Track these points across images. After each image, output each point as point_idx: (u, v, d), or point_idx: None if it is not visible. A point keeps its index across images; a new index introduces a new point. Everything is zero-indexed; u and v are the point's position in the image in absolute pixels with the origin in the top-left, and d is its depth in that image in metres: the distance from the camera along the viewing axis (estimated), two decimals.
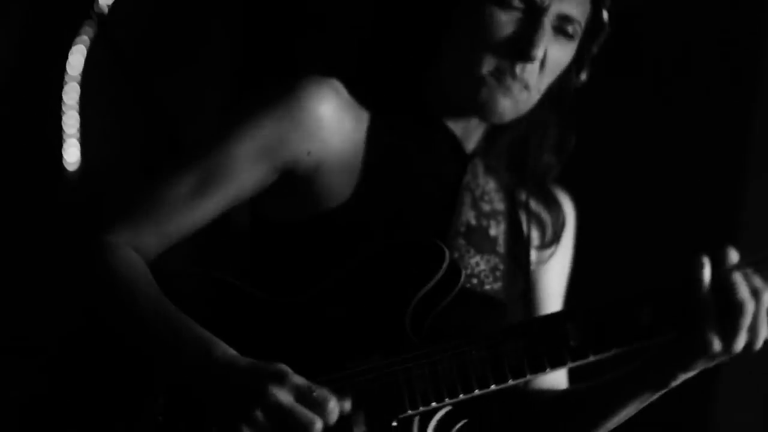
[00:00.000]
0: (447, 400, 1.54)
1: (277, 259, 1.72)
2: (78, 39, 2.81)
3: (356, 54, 1.77)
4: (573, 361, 1.53)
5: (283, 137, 1.62)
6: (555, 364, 1.52)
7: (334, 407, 1.47)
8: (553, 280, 1.91)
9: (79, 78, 2.81)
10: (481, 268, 1.77)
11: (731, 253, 1.53)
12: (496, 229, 1.81)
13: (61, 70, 2.86)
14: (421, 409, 1.55)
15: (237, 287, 1.63)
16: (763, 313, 1.50)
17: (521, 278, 1.83)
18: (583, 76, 1.80)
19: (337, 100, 1.67)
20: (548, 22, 1.67)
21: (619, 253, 2.67)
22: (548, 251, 1.89)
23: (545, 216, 1.88)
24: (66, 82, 2.83)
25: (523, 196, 1.84)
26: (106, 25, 2.78)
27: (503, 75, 1.67)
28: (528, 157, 1.84)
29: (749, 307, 1.49)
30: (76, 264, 1.65)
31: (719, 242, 1.54)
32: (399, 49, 1.73)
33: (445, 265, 1.60)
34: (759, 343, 1.51)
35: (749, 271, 1.51)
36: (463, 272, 1.63)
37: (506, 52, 1.66)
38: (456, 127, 1.78)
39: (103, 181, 2.97)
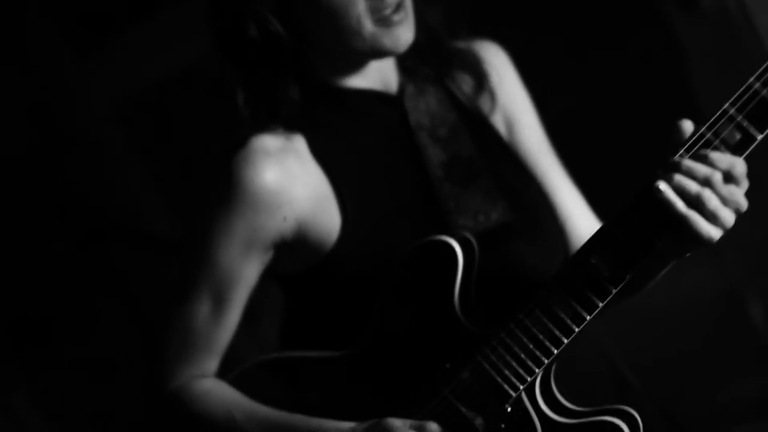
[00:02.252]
0: (536, 370, 1.58)
1: (314, 309, 1.73)
2: None
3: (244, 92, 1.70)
4: (615, 287, 1.54)
5: (253, 225, 1.62)
6: (603, 297, 1.54)
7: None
8: (520, 124, 1.86)
9: None
10: (477, 202, 1.72)
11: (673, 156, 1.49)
12: (465, 146, 1.75)
13: None
14: (521, 387, 1.59)
15: (297, 358, 1.67)
16: (724, 190, 1.46)
17: (516, 165, 1.82)
18: None
19: (270, 158, 1.63)
20: None
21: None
22: (488, 99, 1.83)
23: (470, 76, 1.82)
24: None
25: (454, 82, 1.81)
26: None
27: (380, 13, 1.64)
28: (434, 48, 1.79)
29: (706, 194, 1.45)
30: (170, 421, 1.73)
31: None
32: (271, 65, 1.68)
33: (459, 254, 1.60)
34: (741, 207, 1.49)
35: (686, 159, 1.47)
36: (473, 242, 1.63)
37: None
38: (372, 82, 1.73)
39: None
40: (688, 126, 1.48)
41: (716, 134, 1.48)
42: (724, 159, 1.46)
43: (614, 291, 1.54)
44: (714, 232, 1.48)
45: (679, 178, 1.46)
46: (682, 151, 1.48)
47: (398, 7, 1.64)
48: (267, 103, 1.67)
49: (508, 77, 1.86)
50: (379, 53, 1.68)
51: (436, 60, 1.79)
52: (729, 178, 1.47)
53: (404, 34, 1.66)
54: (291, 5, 1.66)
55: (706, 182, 1.46)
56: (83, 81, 3.33)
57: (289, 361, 1.68)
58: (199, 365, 1.69)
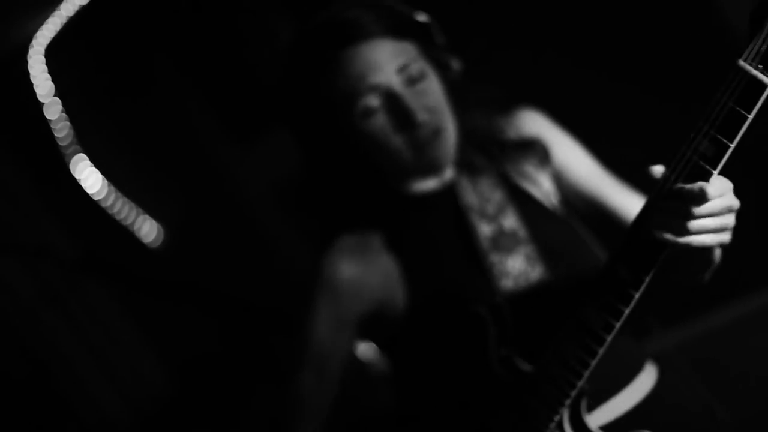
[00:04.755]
0: (577, 383, 1.77)
1: (404, 368, 2.05)
2: None
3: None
4: (636, 290, 1.68)
5: (338, 310, 1.97)
6: (627, 303, 1.69)
7: None
8: (574, 166, 2.08)
9: None
10: (519, 266, 1.96)
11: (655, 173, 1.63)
12: (510, 219, 1.99)
13: None
14: (565, 403, 1.80)
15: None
16: (709, 208, 1.60)
17: (556, 224, 2.02)
18: (456, 65, 2.03)
19: (347, 254, 1.98)
20: (400, 88, 1.91)
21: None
22: (551, 169, 2.06)
23: (530, 159, 2.06)
24: None
25: (506, 164, 2.05)
26: None
27: (415, 144, 1.93)
28: (483, 137, 2.06)
29: (691, 221, 1.60)
30: None
31: None
32: (338, 178, 2.03)
33: (490, 327, 1.86)
34: (733, 208, 1.62)
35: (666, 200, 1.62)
36: (502, 302, 1.88)
37: (401, 134, 1.92)
38: (431, 182, 2.02)
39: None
40: (658, 170, 1.62)
41: (695, 151, 1.61)
42: (694, 188, 1.59)
43: (636, 295, 1.68)
44: (717, 238, 1.63)
45: (659, 217, 1.62)
46: (668, 175, 1.62)
47: (434, 135, 1.94)
48: (351, 208, 2.02)
49: (549, 135, 2.08)
50: (420, 171, 1.99)
51: (485, 153, 2.06)
52: (704, 198, 1.59)
53: (442, 152, 1.96)
54: (343, 151, 1.99)
55: (685, 215, 1.60)
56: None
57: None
58: (314, 427, 2.02)
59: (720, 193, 1.61)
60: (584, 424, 1.83)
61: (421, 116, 1.91)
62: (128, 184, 3.62)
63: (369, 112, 1.91)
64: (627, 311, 1.71)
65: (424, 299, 1.96)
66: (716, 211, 1.61)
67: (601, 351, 1.75)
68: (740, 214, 1.67)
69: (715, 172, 1.61)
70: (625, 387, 1.93)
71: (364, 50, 1.90)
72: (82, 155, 3.56)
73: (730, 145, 1.60)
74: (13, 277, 3.47)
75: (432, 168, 1.99)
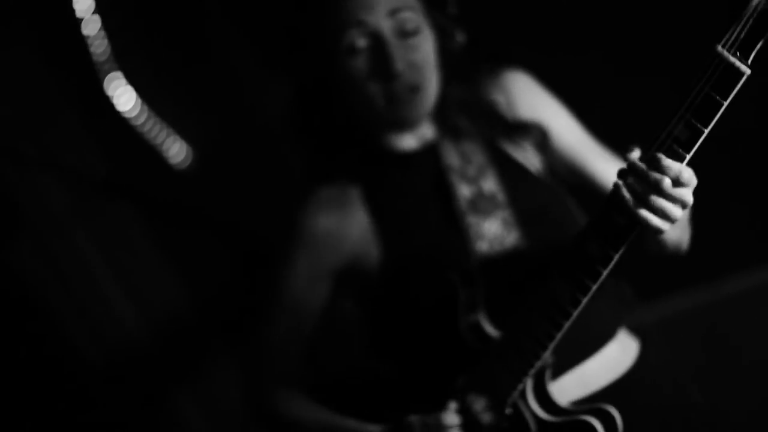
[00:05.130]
0: (542, 354, 1.81)
1: (375, 321, 2.09)
2: None
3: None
4: (605, 268, 1.72)
5: (314, 261, 1.99)
6: (595, 278, 1.73)
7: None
8: (562, 134, 2.10)
9: None
10: (495, 229, 1.98)
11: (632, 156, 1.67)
12: (490, 182, 2.02)
13: None
14: (529, 373, 1.84)
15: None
16: (673, 192, 1.62)
17: (538, 189, 2.05)
18: (460, 38, 2.02)
19: (324, 206, 2.00)
20: (389, 35, 1.89)
21: None
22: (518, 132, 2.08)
23: (526, 139, 2.08)
24: None
25: (496, 135, 2.07)
26: None
27: (390, 95, 1.92)
28: (471, 104, 2.07)
29: (653, 194, 1.63)
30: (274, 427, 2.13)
31: None
32: (318, 129, 2.04)
33: (460, 292, 1.90)
34: (687, 203, 1.65)
35: (640, 164, 1.64)
36: (474, 268, 1.92)
37: (378, 81, 1.91)
38: (412, 140, 2.04)
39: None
40: (635, 153, 1.66)
41: (669, 134, 1.62)
42: (673, 166, 1.62)
43: (604, 272, 1.69)
44: (661, 224, 1.63)
45: (631, 180, 1.63)
46: (644, 154, 1.65)
47: (413, 90, 1.93)
48: (330, 161, 2.02)
49: (530, 98, 2.10)
50: (395, 128, 2.00)
51: (471, 119, 2.07)
52: (678, 182, 1.63)
53: (415, 111, 1.96)
54: (326, 88, 1.99)
55: (655, 185, 1.62)
56: None
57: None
58: (288, 377, 2.07)
59: (687, 183, 1.61)
60: (547, 394, 1.85)
61: (401, 67, 1.90)
62: (160, 105, 3.67)
63: (353, 50, 1.91)
64: (594, 287, 1.73)
65: (397, 258, 1.98)
66: (677, 197, 1.61)
67: (567, 324, 1.76)
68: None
69: (688, 156, 1.62)
70: (591, 355, 1.94)
71: None
72: (118, 73, 3.61)
73: (705, 130, 1.60)
74: (46, 190, 3.55)
75: (405, 124, 1.98)
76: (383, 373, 2.07)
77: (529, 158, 2.06)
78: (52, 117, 3.55)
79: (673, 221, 1.65)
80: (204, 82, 3.68)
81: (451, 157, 2.02)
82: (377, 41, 1.90)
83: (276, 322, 2.04)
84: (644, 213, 1.63)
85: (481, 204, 1.99)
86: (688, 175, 1.63)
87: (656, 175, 1.61)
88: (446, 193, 2.00)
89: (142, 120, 3.63)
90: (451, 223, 1.99)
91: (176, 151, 3.68)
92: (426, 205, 2.02)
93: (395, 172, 2.04)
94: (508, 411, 1.86)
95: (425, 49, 1.95)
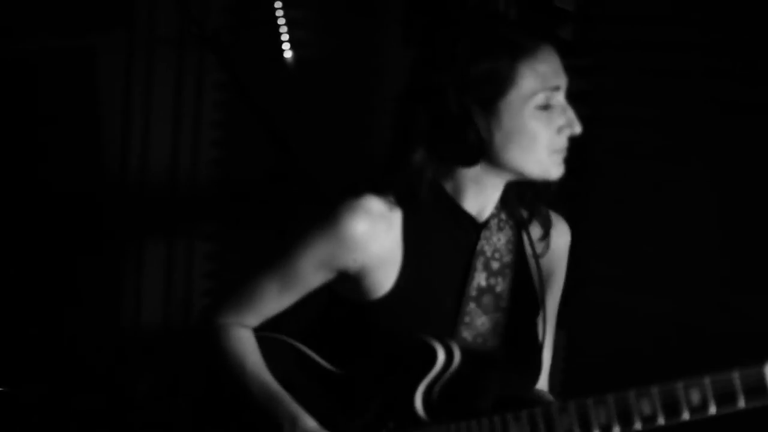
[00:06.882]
0: None
1: (336, 328, 2.18)
2: None
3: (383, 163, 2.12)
4: None
5: (331, 253, 2.07)
6: None
7: None
8: (553, 297, 2.27)
9: None
10: (483, 330, 2.13)
11: None
12: (503, 285, 2.15)
13: None
14: None
15: (303, 354, 2.14)
16: None
17: (532, 318, 2.20)
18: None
19: (368, 216, 2.06)
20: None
21: None
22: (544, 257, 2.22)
23: (540, 229, 2.21)
24: None
25: (528, 230, 2.19)
26: None
27: (560, 150, 2.05)
28: (537, 195, 2.18)
29: None
30: (203, 342, 2.22)
31: None
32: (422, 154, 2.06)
33: (439, 361, 2.01)
34: None
35: None
36: (456, 354, 2.02)
37: (561, 135, 2.04)
38: (474, 202, 2.11)
39: None
40: None
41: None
42: None
43: None
44: None
45: None
46: None
47: (566, 151, 2.05)
48: (402, 178, 2.07)
49: (564, 252, 2.27)
50: (539, 177, 2.07)
51: (531, 204, 2.19)
52: None
53: (562, 170, 2.07)
54: (492, 114, 2.03)
55: None
56: None
57: (303, 354, 2.14)
58: (247, 319, 2.17)
59: None
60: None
61: (580, 130, 2.06)
62: None
63: (546, 106, 2.02)
64: None
65: (403, 297, 2.09)
66: None
67: None
68: None
69: None
70: None
71: (556, 55, 2.05)
72: None
73: None
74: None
75: (543, 179, 2.08)
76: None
77: (540, 284, 2.23)
78: None
79: None
80: None
81: (487, 242, 2.14)
82: (564, 102, 2.06)
83: (272, 280, 2.13)
84: None
85: (486, 299, 2.13)
86: None
87: None
88: (465, 272, 2.12)
89: None
90: (455, 299, 2.12)
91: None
92: (448, 269, 2.12)
93: (446, 220, 2.12)
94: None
95: None
